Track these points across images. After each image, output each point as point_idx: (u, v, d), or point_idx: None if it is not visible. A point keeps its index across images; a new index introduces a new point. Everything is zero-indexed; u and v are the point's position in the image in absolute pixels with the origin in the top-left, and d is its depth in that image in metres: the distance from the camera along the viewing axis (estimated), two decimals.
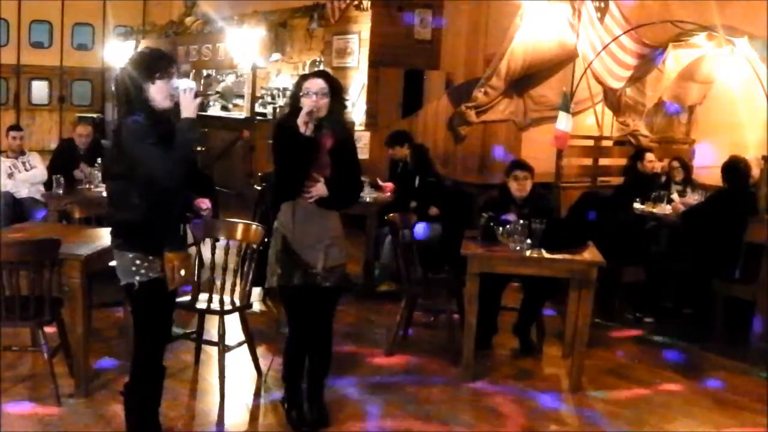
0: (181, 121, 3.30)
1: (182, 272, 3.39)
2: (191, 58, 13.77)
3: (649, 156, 7.46)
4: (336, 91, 3.74)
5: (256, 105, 11.85)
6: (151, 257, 3.36)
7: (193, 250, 4.71)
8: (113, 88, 3.47)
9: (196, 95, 3.31)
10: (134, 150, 3.23)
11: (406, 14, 9.86)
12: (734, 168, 6.07)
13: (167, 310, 3.56)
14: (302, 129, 3.59)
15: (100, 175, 6.31)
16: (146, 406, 3.56)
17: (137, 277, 3.35)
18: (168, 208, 3.37)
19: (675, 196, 6.87)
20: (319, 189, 3.69)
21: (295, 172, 3.66)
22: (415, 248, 5.23)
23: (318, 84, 3.67)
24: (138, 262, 3.35)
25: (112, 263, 3.55)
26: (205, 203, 3.67)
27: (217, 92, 12.87)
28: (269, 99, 11.98)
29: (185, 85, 3.34)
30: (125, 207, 3.32)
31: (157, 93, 3.30)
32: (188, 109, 3.30)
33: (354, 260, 6.75)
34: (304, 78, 3.78)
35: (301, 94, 3.69)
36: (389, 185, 6.90)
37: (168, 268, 3.34)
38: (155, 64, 3.32)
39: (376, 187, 6.84)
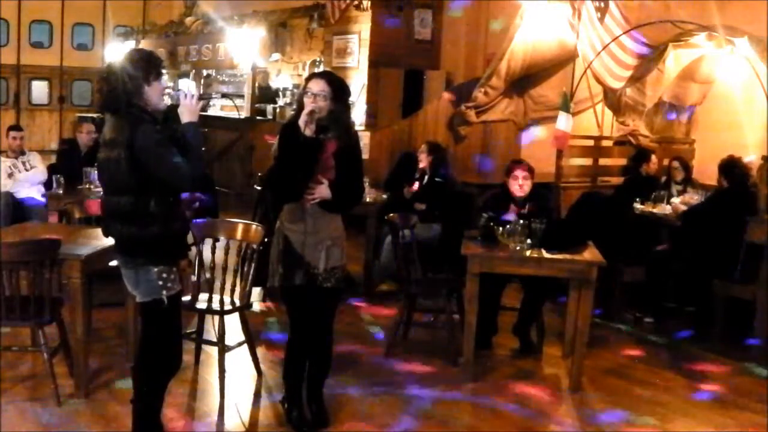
0: (185, 126, 3.27)
1: (193, 277, 3.39)
2: (191, 58, 13.77)
3: (654, 158, 7.47)
4: (339, 93, 3.69)
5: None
6: (174, 269, 3.33)
7: (193, 250, 4.72)
8: (102, 92, 3.33)
9: (200, 98, 3.29)
10: (153, 158, 3.16)
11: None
12: (732, 168, 6.07)
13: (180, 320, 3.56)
14: (303, 129, 3.58)
15: None
16: (154, 411, 3.57)
17: (164, 292, 3.29)
18: (183, 213, 3.34)
19: (675, 199, 6.86)
20: (322, 191, 3.68)
21: (295, 171, 3.66)
22: (415, 248, 5.23)
23: (319, 85, 3.64)
24: (165, 275, 3.29)
25: (112, 263, 3.54)
26: (192, 203, 3.60)
27: (225, 95, 12.87)
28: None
29: (186, 89, 3.32)
30: (145, 220, 3.22)
31: (154, 95, 3.27)
32: (191, 114, 3.28)
33: (354, 260, 6.77)
34: (308, 78, 3.78)
35: (304, 92, 3.68)
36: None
37: (184, 276, 3.34)
38: (150, 65, 3.27)
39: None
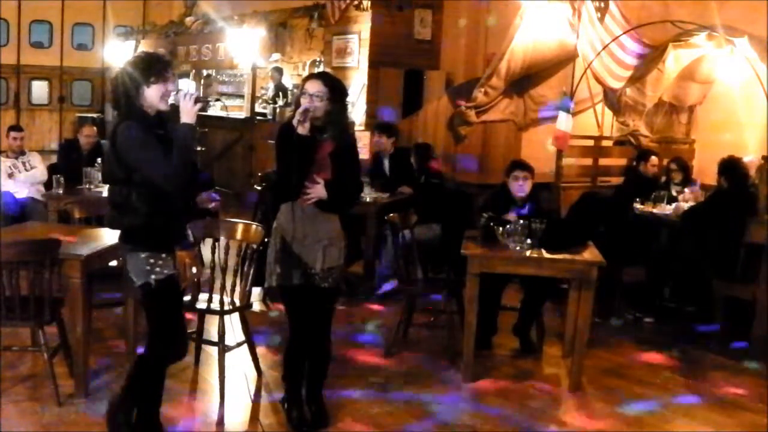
0: (180, 126, 3.31)
1: (194, 270, 3.44)
2: (191, 58, 13.79)
3: (654, 159, 7.46)
4: (336, 94, 3.71)
5: (256, 105, 11.86)
6: (164, 255, 3.40)
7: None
8: (111, 92, 3.49)
9: (197, 101, 3.32)
10: (131, 155, 3.25)
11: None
12: (732, 168, 6.07)
13: (181, 307, 3.60)
14: (297, 127, 3.59)
15: (99, 175, 6.32)
16: (152, 405, 3.58)
17: (153, 276, 3.38)
18: (173, 207, 3.39)
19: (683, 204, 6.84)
20: (318, 191, 3.69)
21: (290, 170, 3.66)
22: (415, 248, 5.23)
23: (315, 85, 3.66)
24: (152, 260, 3.38)
25: (112, 263, 3.56)
26: (211, 200, 3.66)
27: (218, 98, 12.87)
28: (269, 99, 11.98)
29: (186, 90, 3.36)
30: (130, 211, 3.34)
31: (153, 96, 3.32)
32: (188, 115, 3.31)
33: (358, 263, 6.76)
34: (305, 79, 3.80)
35: (301, 92, 3.70)
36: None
37: (180, 267, 3.40)
38: (150, 67, 3.33)
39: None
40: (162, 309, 3.47)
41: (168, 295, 3.46)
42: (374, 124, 7.59)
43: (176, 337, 3.56)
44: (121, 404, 3.58)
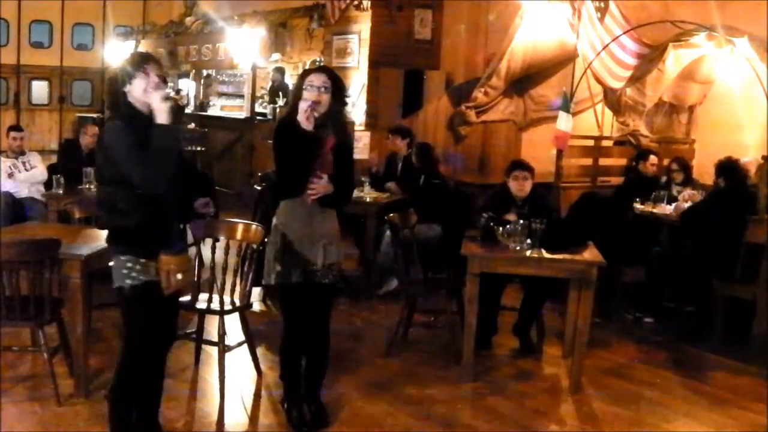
0: (155, 128, 3.21)
1: (179, 276, 3.31)
2: (191, 58, 13.78)
3: (653, 159, 7.45)
4: (338, 88, 3.72)
5: (256, 105, 11.86)
6: (143, 260, 3.30)
7: (193, 250, 4.72)
8: (106, 95, 3.47)
9: (166, 98, 3.21)
10: (113, 153, 3.20)
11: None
12: (729, 169, 6.07)
13: (163, 314, 3.46)
14: (303, 122, 3.57)
15: None
16: (151, 405, 3.56)
17: (128, 281, 3.30)
18: (160, 210, 3.30)
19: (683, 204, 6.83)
20: (323, 186, 3.69)
21: (297, 167, 3.65)
22: (415, 248, 5.23)
23: (321, 78, 3.65)
24: (129, 265, 3.30)
25: (112, 263, 3.51)
26: (206, 206, 3.64)
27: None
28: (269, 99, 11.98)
29: (160, 90, 3.26)
30: (115, 211, 3.29)
31: (137, 91, 3.25)
32: (161, 115, 3.21)
33: (354, 260, 6.77)
34: (306, 73, 3.76)
35: (303, 87, 3.66)
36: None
37: (163, 272, 3.27)
38: (129, 64, 3.30)
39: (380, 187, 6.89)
40: (135, 315, 3.38)
41: (142, 302, 3.34)
42: (389, 128, 7.64)
43: (152, 342, 3.44)
44: (115, 402, 3.55)
